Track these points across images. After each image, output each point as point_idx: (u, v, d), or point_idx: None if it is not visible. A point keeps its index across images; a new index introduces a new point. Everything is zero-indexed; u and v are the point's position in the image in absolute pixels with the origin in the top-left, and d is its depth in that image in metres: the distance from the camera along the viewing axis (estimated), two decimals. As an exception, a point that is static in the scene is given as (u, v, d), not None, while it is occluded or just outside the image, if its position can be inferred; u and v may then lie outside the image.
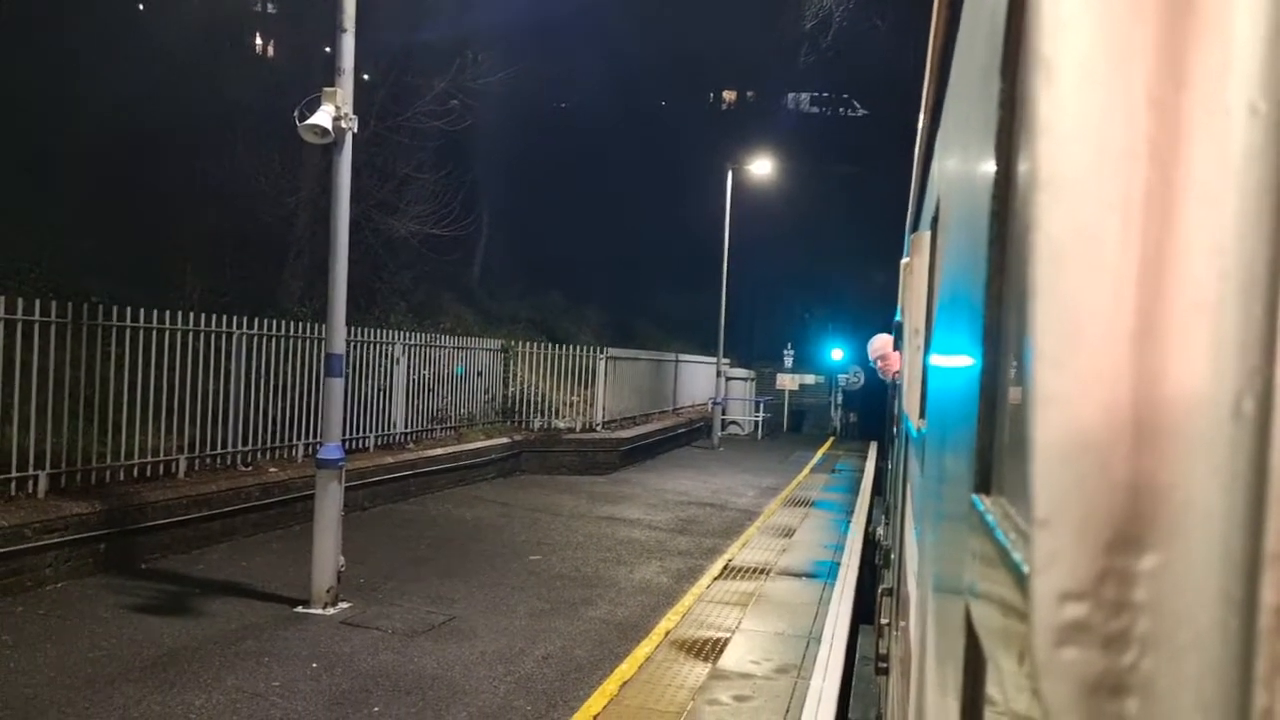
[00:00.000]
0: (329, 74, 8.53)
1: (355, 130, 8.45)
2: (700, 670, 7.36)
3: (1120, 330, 0.49)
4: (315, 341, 12.33)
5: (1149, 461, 0.48)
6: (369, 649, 7.35)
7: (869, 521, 14.44)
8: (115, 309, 9.58)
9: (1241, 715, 0.42)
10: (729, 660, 7.66)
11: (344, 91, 8.25)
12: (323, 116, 8.06)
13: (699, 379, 29.70)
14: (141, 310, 9.89)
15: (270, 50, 21.82)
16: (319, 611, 8.14)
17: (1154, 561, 0.47)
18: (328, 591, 8.25)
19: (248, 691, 6.30)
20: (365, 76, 16.47)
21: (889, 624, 5.00)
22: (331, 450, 8.36)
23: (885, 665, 4.87)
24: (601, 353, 20.64)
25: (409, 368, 15.26)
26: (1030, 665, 0.52)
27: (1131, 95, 0.49)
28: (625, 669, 7.31)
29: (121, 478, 9.58)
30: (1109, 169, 0.49)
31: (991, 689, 0.88)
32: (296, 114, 8.14)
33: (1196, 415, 0.46)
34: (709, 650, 7.86)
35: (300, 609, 8.19)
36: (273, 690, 6.36)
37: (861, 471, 21.67)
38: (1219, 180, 0.46)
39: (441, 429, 16.29)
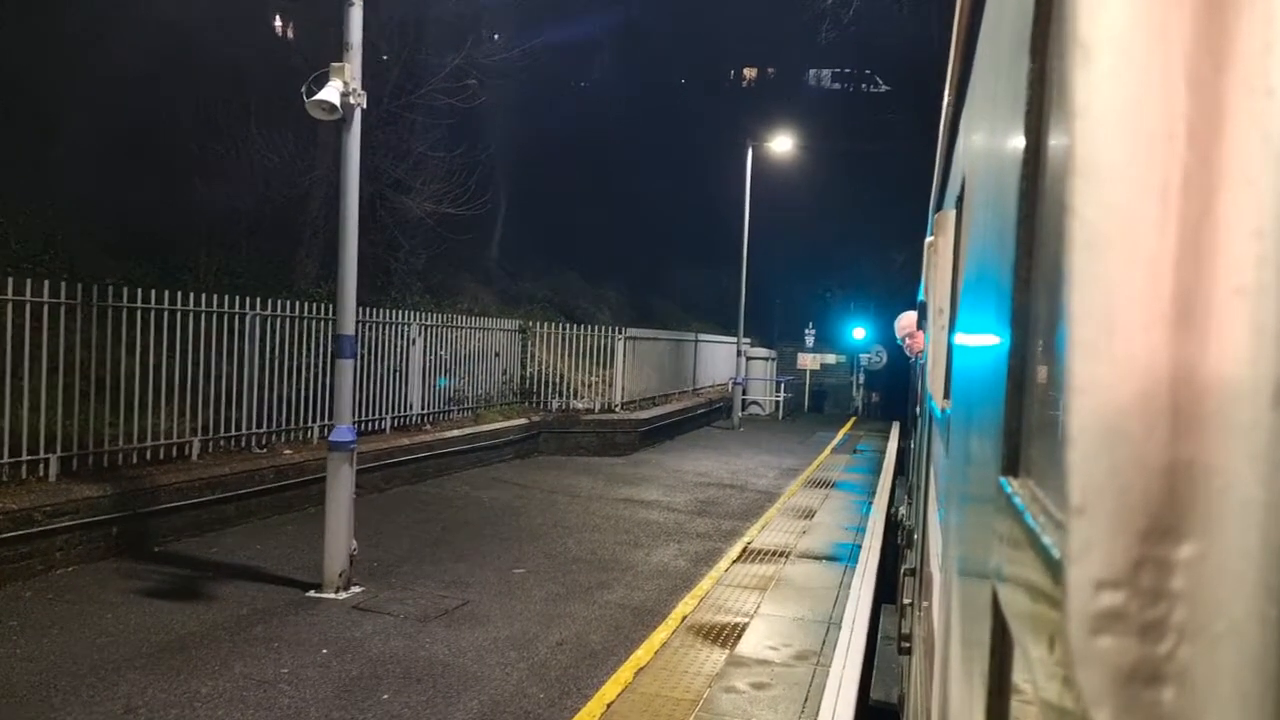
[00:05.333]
0: (341, 50, 8.34)
1: (365, 106, 8.27)
2: (718, 657, 7.21)
3: (1157, 316, 0.48)
4: (330, 322, 12.20)
5: (1186, 449, 0.47)
6: (380, 634, 7.24)
7: (891, 503, 14.23)
8: (125, 290, 9.49)
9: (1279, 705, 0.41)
10: (747, 646, 7.50)
11: (352, 66, 8.07)
12: (331, 92, 7.88)
13: (719, 359, 29.49)
14: (152, 291, 9.79)
15: (283, 26, 21.63)
16: (331, 596, 8.04)
17: (1191, 550, 0.47)
18: (340, 576, 8.15)
19: (255, 679, 6.19)
20: (385, 58, 16.27)
21: (912, 604, 5.00)
22: (343, 433, 8.24)
23: (908, 645, 4.88)
24: (620, 333, 20.46)
25: (425, 349, 15.14)
26: (1063, 652, 0.51)
27: (1170, 76, 0.47)
28: (641, 655, 7.16)
29: (134, 460, 9.52)
30: (1146, 152, 0.48)
31: (1019, 673, 0.87)
32: (304, 90, 7.97)
33: (1235, 403, 0.45)
34: (727, 636, 7.71)
35: (312, 593, 8.09)
36: (281, 677, 6.26)
37: (883, 452, 21.44)
38: (1259, 163, 0.45)
39: (459, 410, 16.19)
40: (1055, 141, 0.77)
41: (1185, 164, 0.47)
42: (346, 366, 8.32)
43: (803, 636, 7.84)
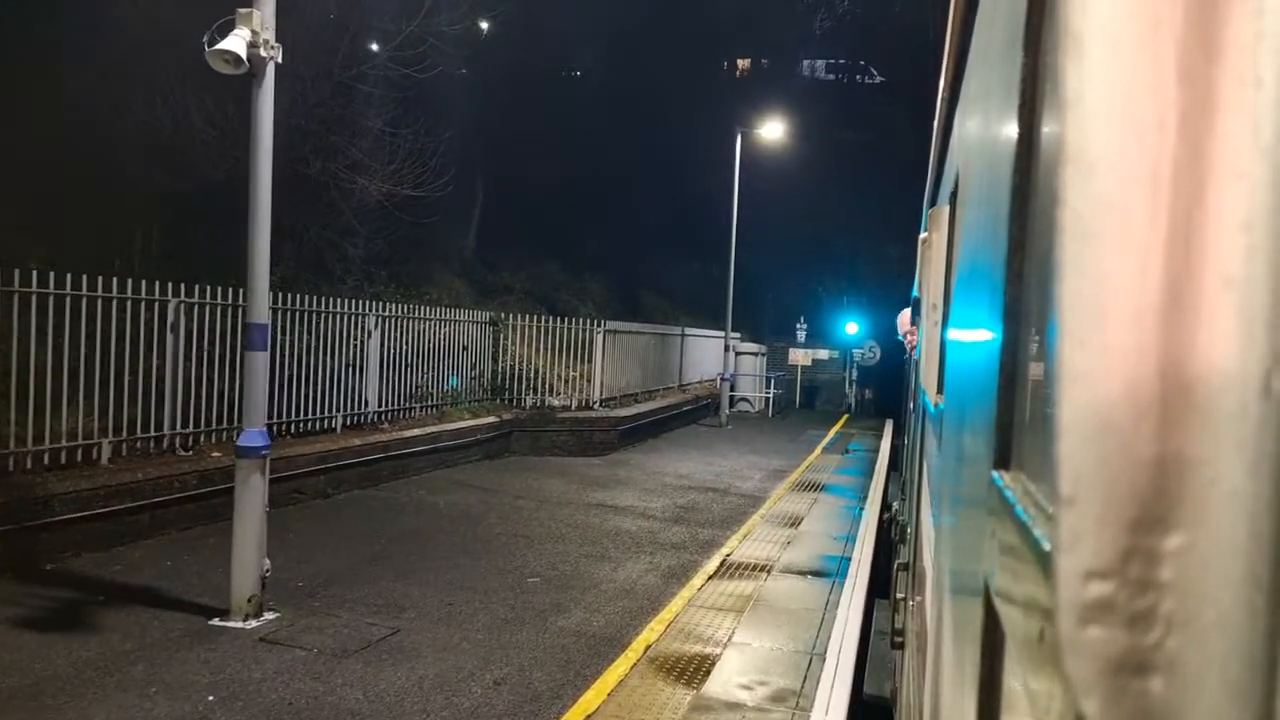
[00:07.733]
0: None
1: (279, 60, 7.18)
2: (680, 698, 6.16)
3: (1147, 307, 0.48)
4: (273, 311, 11.10)
5: (1175, 440, 0.47)
6: (284, 675, 6.15)
7: (884, 509, 13.19)
8: (17, 273, 8.36)
9: (1267, 695, 0.41)
10: (716, 684, 6.45)
11: (263, 14, 6.97)
12: (235, 42, 6.78)
13: (707, 354, 28.43)
14: (51, 274, 8.67)
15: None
16: (237, 625, 6.97)
17: (1180, 540, 0.47)
18: (249, 601, 7.07)
19: (113, 737, 5.11)
20: (372, 45, 15.07)
21: (905, 598, 4.90)
22: (253, 436, 7.16)
23: (901, 640, 4.77)
24: (599, 326, 19.39)
25: (383, 341, 14.04)
26: (1053, 643, 0.51)
27: (1161, 67, 0.47)
28: (590, 698, 6.11)
29: (28, 465, 8.40)
30: (1137, 143, 0.48)
31: (1010, 666, 0.86)
32: (206, 39, 6.87)
33: (1224, 393, 0.45)
34: (693, 671, 6.65)
35: (217, 621, 7.02)
36: (146, 735, 5.18)
37: (876, 451, 20.41)
38: (1249, 155, 0.45)
39: (422, 408, 15.10)
40: (1047, 134, 0.77)
41: (1176, 155, 0.47)
42: (258, 360, 7.23)
43: (781, 671, 6.79)
